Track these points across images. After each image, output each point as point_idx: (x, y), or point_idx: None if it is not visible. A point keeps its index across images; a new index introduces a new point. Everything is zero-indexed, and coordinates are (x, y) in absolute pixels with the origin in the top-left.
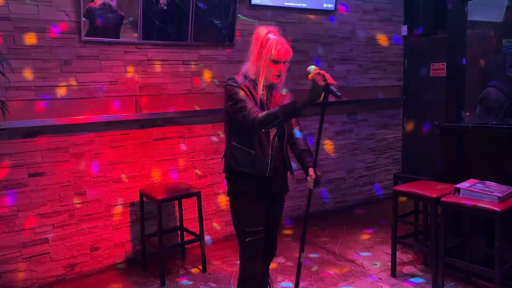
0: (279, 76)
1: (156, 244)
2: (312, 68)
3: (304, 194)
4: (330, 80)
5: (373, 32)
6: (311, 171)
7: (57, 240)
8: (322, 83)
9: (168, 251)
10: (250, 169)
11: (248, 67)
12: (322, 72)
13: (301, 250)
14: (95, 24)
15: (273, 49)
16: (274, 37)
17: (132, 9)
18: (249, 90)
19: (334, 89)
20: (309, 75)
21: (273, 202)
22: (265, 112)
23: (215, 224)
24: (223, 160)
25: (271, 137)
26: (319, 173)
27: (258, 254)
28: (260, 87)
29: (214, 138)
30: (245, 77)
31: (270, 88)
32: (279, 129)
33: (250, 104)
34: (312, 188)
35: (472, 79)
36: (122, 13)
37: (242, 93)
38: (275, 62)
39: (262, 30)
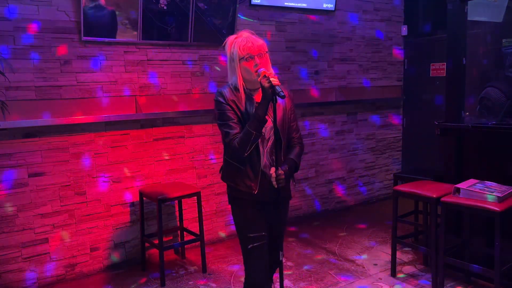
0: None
1: (156, 244)
2: (260, 71)
3: (304, 194)
4: (275, 81)
5: (373, 32)
6: (272, 170)
7: (57, 240)
8: (267, 84)
9: (168, 251)
10: (241, 187)
11: (230, 77)
12: (268, 74)
13: (280, 249)
14: (93, 22)
15: (237, 49)
16: (238, 38)
17: (132, 9)
18: (236, 105)
19: (278, 90)
20: (258, 78)
21: (274, 209)
22: (238, 136)
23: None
24: (220, 173)
25: (264, 151)
26: (280, 171)
27: (262, 261)
28: (242, 93)
29: (214, 138)
30: (232, 88)
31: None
32: (277, 139)
33: (232, 128)
34: (275, 186)
35: (472, 79)
36: (113, 8)
37: (228, 113)
38: (248, 59)
39: (228, 39)
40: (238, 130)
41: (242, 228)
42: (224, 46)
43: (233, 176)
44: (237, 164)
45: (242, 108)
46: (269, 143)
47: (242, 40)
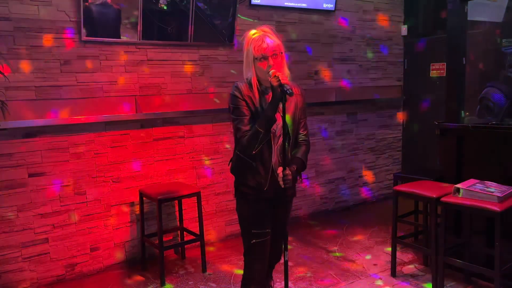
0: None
1: (156, 244)
2: (270, 72)
3: (303, 194)
4: (283, 80)
5: (373, 32)
6: (279, 169)
7: (57, 240)
8: (275, 83)
9: (168, 251)
10: (251, 182)
11: (245, 73)
12: (277, 74)
13: (285, 249)
14: (93, 22)
15: (252, 48)
16: (255, 36)
17: (132, 9)
18: (251, 100)
19: (286, 88)
20: (269, 78)
21: (279, 206)
22: (248, 134)
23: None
24: (230, 165)
25: (274, 148)
26: (287, 172)
27: (263, 257)
28: (255, 90)
29: (214, 138)
30: (248, 83)
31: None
32: (286, 134)
33: (244, 125)
34: (282, 186)
35: (472, 79)
36: (118, 7)
37: (242, 109)
38: (262, 59)
39: (247, 33)
40: (249, 127)
41: (247, 223)
42: (242, 39)
43: (243, 171)
44: (248, 160)
45: (257, 105)
46: (280, 141)
47: (258, 40)
